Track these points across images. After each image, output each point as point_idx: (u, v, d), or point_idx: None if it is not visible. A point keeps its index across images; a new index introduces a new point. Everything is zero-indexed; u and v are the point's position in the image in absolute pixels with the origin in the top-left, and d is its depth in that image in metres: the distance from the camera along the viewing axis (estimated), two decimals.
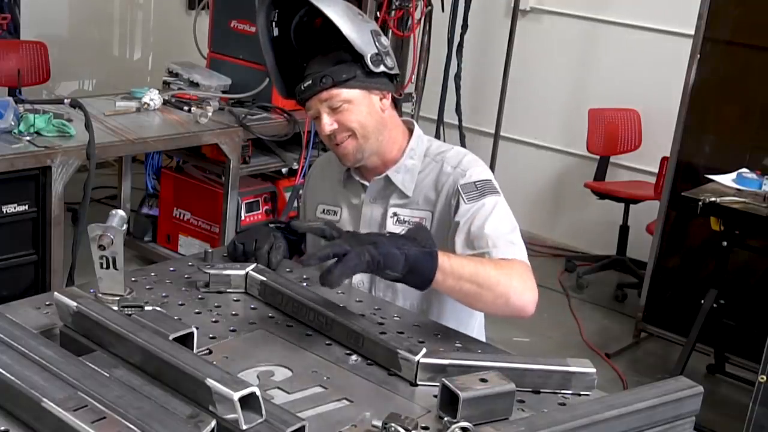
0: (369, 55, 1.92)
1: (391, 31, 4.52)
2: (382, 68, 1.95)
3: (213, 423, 1.21)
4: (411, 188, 2.03)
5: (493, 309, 1.83)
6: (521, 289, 1.80)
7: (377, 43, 1.94)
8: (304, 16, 1.99)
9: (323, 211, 2.15)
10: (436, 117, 5.06)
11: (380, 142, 2.01)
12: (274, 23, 1.99)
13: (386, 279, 1.68)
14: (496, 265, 1.81)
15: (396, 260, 1.63)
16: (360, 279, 2.06)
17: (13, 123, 3.26)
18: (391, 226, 2.03)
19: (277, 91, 2.09)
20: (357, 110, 1.95)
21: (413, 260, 1.65)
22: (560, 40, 5.39)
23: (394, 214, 2.04)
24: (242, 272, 1.86)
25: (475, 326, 2.09)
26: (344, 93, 1.94)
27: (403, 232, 1.73)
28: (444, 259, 1.72)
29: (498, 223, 1.91)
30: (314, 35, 1.99)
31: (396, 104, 2.08)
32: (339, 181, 2.13)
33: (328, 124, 1.95)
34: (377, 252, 1.60)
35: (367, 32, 1.93)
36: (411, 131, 2.10)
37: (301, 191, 2.41)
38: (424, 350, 1.56)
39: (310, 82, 1.94)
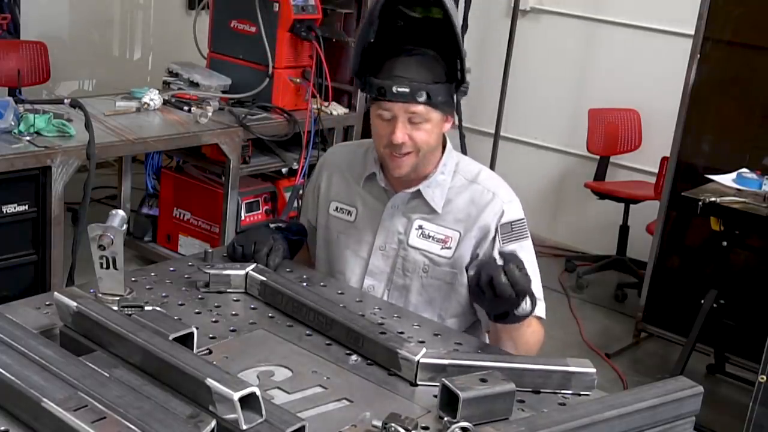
0: (465, 84, 1.88)
1: None
2: (462, 96, 1.92)
3: (213, 423, 1.21)
4: (441, 204, 1.99)
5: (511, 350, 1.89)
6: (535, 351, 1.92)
7: (464, 71, 1.88)
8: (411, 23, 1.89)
9: (336, 208, 2.09)
10: None
11: (428, 159, 1.97)
12: (373, 31, 1.88)
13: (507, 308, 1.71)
14: (532, 331, 1.89)
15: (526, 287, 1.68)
16: (371, 284, 2.04)
17: (13, 123, 3.26)
18: (415, 239, 2.00)
19: (351, 63, 1.96)
20: (432, 131, 1.90)
21: (526, 290, 1.68)
22: (560, 40, 5.39)
23: (420, 227, 2.00)
24: (242, 272, 1.86)
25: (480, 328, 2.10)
26: (432, 114, 1.88)
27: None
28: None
29: (532, 273, 1.82)
30: (404, 22, 1.89)
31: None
32: (357, 182, 2.07)
33: (401, 135, 1.87)
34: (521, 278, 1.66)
35: (465, 54, 1.88)
36: (444, 145, 2.04)
37: (301, 190, 2.39)
38: (424, 350, 1.56)
39: (407, 90, 1.83)
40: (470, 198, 1.99)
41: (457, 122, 2.07)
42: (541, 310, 1.91)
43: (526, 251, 1.93)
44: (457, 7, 4.87)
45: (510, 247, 1.92)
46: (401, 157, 1.91)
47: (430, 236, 1.99)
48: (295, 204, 4.07)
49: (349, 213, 2.08)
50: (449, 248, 1.98)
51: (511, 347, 1.84)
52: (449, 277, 1.99)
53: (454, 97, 1.90)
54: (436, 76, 1.86)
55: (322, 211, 2.14)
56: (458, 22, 1.85)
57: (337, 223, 2.09)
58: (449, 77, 1.87)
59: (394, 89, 1.84)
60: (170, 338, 1.42)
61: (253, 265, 1.88)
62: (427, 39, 1.86)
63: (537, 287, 1.89)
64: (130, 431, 1.17)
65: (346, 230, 2.07)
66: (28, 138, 3.24)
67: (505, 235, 1.95)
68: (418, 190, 2.00)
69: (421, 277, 2.00)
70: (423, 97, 1.84)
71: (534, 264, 1.93)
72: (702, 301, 3.58)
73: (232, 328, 1.70)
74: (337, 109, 4.33)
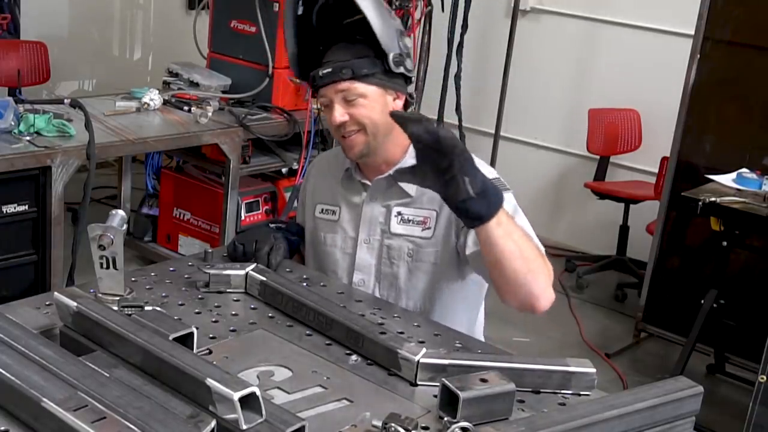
0: (392, 55, 1.91)
1: None
2: (401, 69, 1.94)
3: (213, 423, 1.21)
4: (413, 188, 2.02)
5: (514, 286, 1.76)
6: (549, 281, 1.80)
7: (401, 43, 1.93)
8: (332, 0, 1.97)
9: (322, 210, 2.13)
10: (436, 117, 5.06)
11: (387, 142, 2.00)
12: (300, 1, 1.97)
13: (456, 197, 1.63)
14: (536, 249, 1.80)
15: (475, 174, 1.63)
16: (361, 278, 2.06)
17: (13, 123, 3.26)
18: (396, 226, 2.02)
19: (292, 71, 2.07)
20: (371, 106, 1.94)
21: (489, 186, 1.65)
22: (560, 40, 5.39)
23: (399, 213, 2.03)
24: (242, 272, 1.86)
25: (475, 328, 2.10)
26: (361, 87, 1.92)
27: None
28: (503, 213, 1.70)
29: (521, 220, 1.88)
30: (337, 20, 1.97)
31: (406, 107, 2.07)
32: (338, 181, 2.12)
33: (339, 114, 1.94)
34: (467, 153, 1.62)
35: (393, 30, 1.92)
36: None
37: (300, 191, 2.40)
38: (424, 350, 1.56)
39: (329, 69, 1.92)
40: None
41: (408, 104, 2.05)
42: (528, 228, 1.85)
43: (510, 201, 1.90)
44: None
45: None
46: (350, 136, 1.97)
47: (409, 220, 2.02)
48: (295, 204, 4.07)
49: (333, 213, 2.11)
50: (429, 228, 2.00)
51: (511, 260, 1.73)
52: (434, 257, 2.00)
53: (391, 71, 1.92)
54: (360, 53, 1.92)
55: (308, 214, 2.17)
56: (363, 3, 1.87)
57: (323, 224, 2.12)
58: (377, 53, 1.91)
59: (320, 73, 1.93)
60: (170, 338, 1.42)
61: (253, 265, 1.89)
62: (355, 27, 1.92)
63: (529, 229, 1.87)
64: (130, 431, 1.17)
65: (331, 230, 2.11)
66: (28, 138, 3.24)
67: None
68: (392, 178, 2.02)
69: (407, 262, 2.02)
70: (347, 73, 1.91)
71: (519, 212, 1.91)
72: (702, 301, 3.58)
73: (232, 328, 1.70)
74: None
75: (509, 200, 1.90)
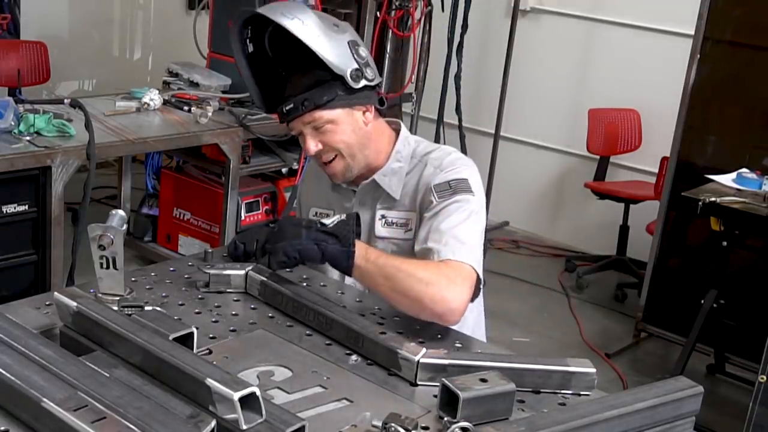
0: (348, 72, 1.91)
1: (391, 31, 4.52)
2: (363, 83, 1.94)
3: (213, 423, 1.21)
4: (398, 191, 2.03)
5: (413, 313, 1.80)
6: (438, 297, 1.75)
7: (356, 56, 1.92)
8: (277, 28, 1.95)
9: (316, 214, 2.14)
10: (436, 117, 5.06)
11: (367, 156, 2.01)
12: (248, 40, 1.98)
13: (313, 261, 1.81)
14: (423, 268, 1.79)
15: (314, 254, 1.76)
16: (352, 283, 2.05)
17: (13, 123, 3.26)
18: (380, 229, 2.04)
19: (258, 107, 2.08)
20: (341, 130, 1.95)
21: (330, 256, 1.77)
22: (560, 40, 5.39)
23: (382, 216, 2.04)
24: (242, 272, 1.86)
25: (470, 326, 2.09)
26: (326, 115, 1.93)
27: (331, 225, 1.79)
28: (361, 261, 1.77)
29: (457, 221, 1.88)
30: (290, 43, 1.95)
31: (380, 112, 2.07)
32: (329, 187, 2.14)
33: (313, 145, 1.96)
34: (292, 249, 1.75)
35: (344, 46, 1.91)
36: (397, 133, 2.09)
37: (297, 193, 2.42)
38: (424, 350, 1.56)
39: (291, 105, 1.94)
40: (419, 176, 2.02)
41: (380, 112, 2.07)
42: (461, 254, 1.83)
43: (459, 204, 1.91)
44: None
45: (446, 201, 1.91)
46: (329, 163, 2.00)
47: (393, 223, 2.04)
48: (295, 204, 4.07)
49: (328, 216, 2.11)
50: (410, 230, 2.02)
51: (386, 293, 1.79)
52: (415, 258, 1.99)
53: (355, 87, 1.92)
54: (315, 80, 1.92)
55: (305, 217, 2.18)
56: (302, 34, 1.86)
57: None
58: (334, 75, 1.91)
59: (284, 110, 1.96)
60: (170, 338, 1.42)
61: (253, 265, 1.88)
62: (307, 51, 1.89)
63: (461, 233, 1.86)
64: (130, 431, 1.17)
65: None
66: (28, 138, 3.24)
67: (441, 192, 1.94)
68: (375, 182, 2.04)
69: None
70: (309, 105, 1.92)
71: (464, 216, 1.90)
72: (702, 301, 3.58)
73: (232, 328, 1.70)
74: None
75: (458, 201, 1.91)
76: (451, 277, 1.78)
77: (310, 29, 1.87)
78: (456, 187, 1.94)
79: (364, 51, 1.95)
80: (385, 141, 2.06)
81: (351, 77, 1.91)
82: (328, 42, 1.88)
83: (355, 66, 1.91)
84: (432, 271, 1.79)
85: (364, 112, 1.99)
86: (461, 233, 1.86)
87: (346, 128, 1.96)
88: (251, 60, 2.00)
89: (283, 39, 1.95)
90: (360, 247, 1.78)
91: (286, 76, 1.99)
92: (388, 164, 2.04)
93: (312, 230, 1.77)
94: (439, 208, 1.92)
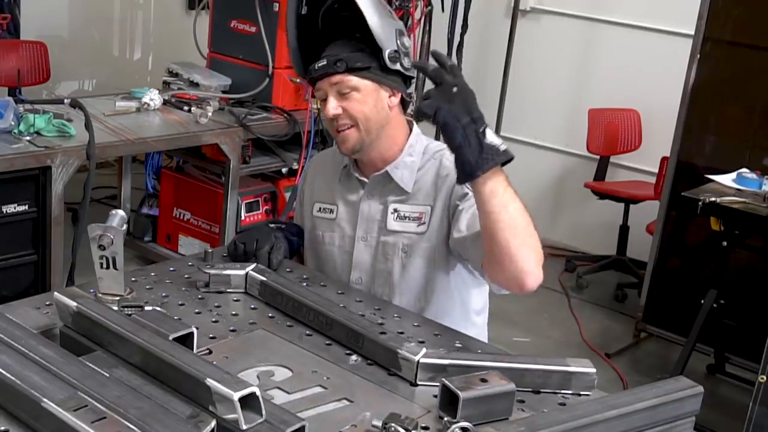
0: (388, 51, 1.92)
1: None
2: (397, 66, 1.95)
3: (213, 423, 1.21)
4: (410, 184, 2.03)
5: (505, 257, 1.73)
6: (538, 260, 1.74)
7: (398, 42, 1.94)
8: (336, 2, 1.99)
9: (319, 209, 2.14)
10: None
11: (381, 138, 2.01)
12: (304, 1, 2.00)
13: (451, 144, 1.68)
14: (533, 227, 1.76)
15: (475, 128, 1.66)
16: (359, 276, 2.06)
17: (13, 123, 3.26)
18: (392, 222, 2.03)
19: (293, 68, 2.09)
20: (364, 101, 1.96)
21: (488, 145, 1.66)
22: (560, 40, 5.39)
23: (395, 210, 2.04)
24: (242, 272, 1.86)
25: (470, 327, 2.09)
26: (354, 80, 1.94)
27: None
28: (503, 178, 1.70)
29: None
30: (341, 22, 1.99)
31: (404, 106, 2.08)
32: (335, 179, 2.13)
33: (332, 107, 1.95)
34: (443, 119, 1.67)
35: (391, 29, 1.93)
36: (411, 129, 2.10)
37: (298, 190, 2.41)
38: (424, 350, 1.56)
39: (324, 62, 1.95)
40: (435, 172, 2.03)
41: (405, 102, 2.07)
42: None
43: None
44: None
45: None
46: (343, 131, 1.98)
47: (405, 217, 2.03)
48: (295, 204, 4.07)
49: (331, 211, 2.13)
50: (424, 223, 2.01)
51: (503, 230, 1.71)
52: (427, 252, 2.01)
53: (391, 67, 1.94)
54: (356, 47, 1.95)
55: (306, 215, 2.18)
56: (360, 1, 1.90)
57: (321, 222, 2.14)
58: (374, 49, 1.93)
59: (315, 66, 1.96)
60: (170, 338, 1.42)
61: (253, 265, 1.89)
62: (356, 26, 1.93)
63: None
64: (130, 431, 1.17)
65: (329, 228, 2.12)
66: (28, 138, 3.24)
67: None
68: (388, 174, 2.04)
69: (401, 258, 2.02)
70: (341, 66, 1.93)
71: None
72: (702, 301, 3.58)
73: (232, 328, 1.70)
74: None
75: None
76: (539, 249, 1.76)
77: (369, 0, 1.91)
78: None
79: (408, 42, 1.98)
80: (401, 133, 2.07)
81: (389, 56, 1.93)
82: (380, 18, 1.91)
83: (395, 48, 1.93)
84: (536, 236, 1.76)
85: (390, 96, 2.00)
86: None
87: (370, 101, 1.96)
88: (301, 22, 2.01)
89: (336, 13, 1.99)
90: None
91: (326, 44, 2.00)
92: (400, 157, 2.05)
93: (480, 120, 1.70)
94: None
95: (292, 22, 2.01)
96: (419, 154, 2.06)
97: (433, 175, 2.03)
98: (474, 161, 1.65)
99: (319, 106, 4.17)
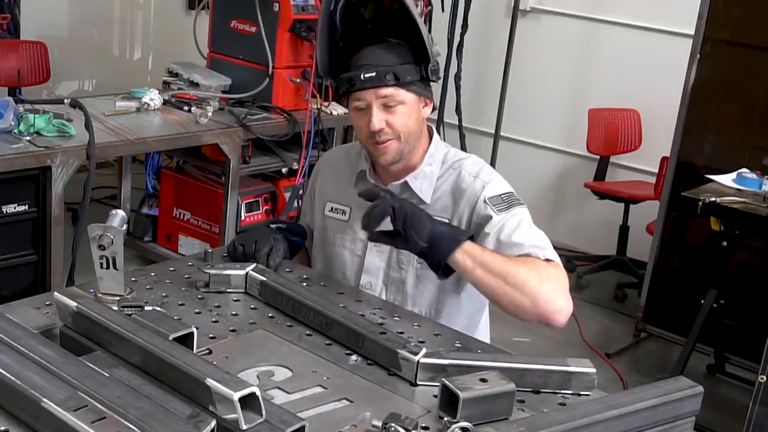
0: (431, 63, 1.91)
1: None
2: (434, 78, 1.94)
3: (213, 423, 1.21)
4: (429, 195, 2.01)
5: (520, 311, 1.79)
6: (551, 295, 1.78)
7: (433, 51, 1.92)
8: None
9: (331, 209, 2.11)
10: (436, 117, 5.06)
11: (413, 148, 1.99)
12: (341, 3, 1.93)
13: (410, 249, 1.76)
14: (531, 266, 1.80)
15: (422, 225, 1.72)
16: (368, 281, 2.05)
17: (13, 123, 3.26)
18: None
19: (320, 68, 2.03)
20: (408, 114, 1.92)
21: (437, 234, 1.73)
22: (560, 40, 5.39)
23: None
24: (242, 272, 1.86)
25: (481, 330, 2.09)
26: (403, 94, 1.90)
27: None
28: (475, 248, 1.75)
29: (529, 232, 1.89)
30: (363, 21, 1.94)
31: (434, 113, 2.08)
32: (349, 181, 2.09)
33: (378, 121, 1.90)
34: (408, 209, 1.72)
35: (429, 37, 1.91)
36: (431, 136, 2.07)
37: (301, 191, 2.40)
38: (424, 350, 1.56)
39: (373, 74, 1.87)
40: (454, 184, 2.01)
41: (436, 106, 2.08)
42: (548, 254, 1.86)
43: (522, 216, 1.92)
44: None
45: (507, 214, 1.91)
46: (384, 143, 1.94)
47: None
48: (295, 204, 4.07)
49: (344, 212, 2.10)
50: None
51: (490, 288, 1.79)
52: None
53: (427, 78, 1.93)
54: (402, 58, 1.90)
55: (317, 212, 2.15)
56: (413, 7, 1.89)
57: (332, 223, 2.11)
58: (416, 59, 1.91)
59: (362, 76, 1.88)
60: (170, 338, 1.42)
61: (253, 265, 1.88)
62: (387, 30, 1.91)
63: (539, 240, 1.89)
64: (130, 431, 1.17)
65: (341, 230, 2.09)
66: (28, 138, 3.24)
67: (498, 205, 1.94)
68: (407, 183, 2.02)
69: (415, 268, 2.01)
70: (391, 79, 1.88)
71: (532, 227, 1.92)
72: (702, 301, 3.58)
73: (232, 328, 1.70)
74: (337, 109, 4.32)
75: (517, 214, 1.91)
76: (556, 276, 1.81)
77: (415, 8, 1.89)
78: (509, 200, 1.95)
79: (437, 50, 1.95)
80: (424, 140, 2.04)
81: (431, 68, 1.92)
82: (423, 27, 1.89)
83: (435, 59, 1.92)
84: (543, 268, 1.81)
85: (424, 106, 1.98)
86: (539, 241, 1.88)
87: (412, 114, 1.94)
88: (332, 19, 1.94)
89: (355, 10, 1.93)
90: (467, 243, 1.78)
91: (343, 48, 1.95)
92: (420, 167, 2.01)
93: (429, 215, 1.79)
94: (503, 222, 1.90)
95: (325, 21, 1.94)
96: (438, 163, 2.03)
97: (451, 187, 2.00)
98: (438, 259, 1.77)
99: (320, 107, 4.19)
